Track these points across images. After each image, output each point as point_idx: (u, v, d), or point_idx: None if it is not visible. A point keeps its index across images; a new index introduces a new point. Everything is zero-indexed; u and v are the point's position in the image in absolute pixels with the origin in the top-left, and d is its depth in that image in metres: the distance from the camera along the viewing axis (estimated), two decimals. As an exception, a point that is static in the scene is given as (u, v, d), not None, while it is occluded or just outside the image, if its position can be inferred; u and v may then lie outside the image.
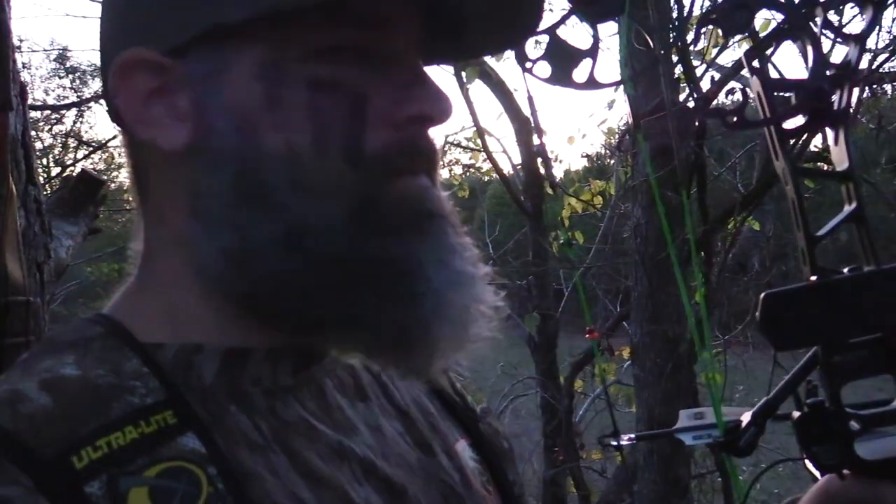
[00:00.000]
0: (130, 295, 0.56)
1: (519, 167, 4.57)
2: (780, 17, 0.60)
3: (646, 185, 2.74)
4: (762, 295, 0.55)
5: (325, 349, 0.56)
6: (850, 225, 0.57)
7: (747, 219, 3.22)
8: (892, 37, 2.90)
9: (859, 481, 0.55)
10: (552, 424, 4.01)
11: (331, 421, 0.54)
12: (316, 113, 0.50)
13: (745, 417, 0.62)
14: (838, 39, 0.58)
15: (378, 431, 0.57)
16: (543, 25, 0.57)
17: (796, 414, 0.57)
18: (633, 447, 2.99)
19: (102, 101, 0.59)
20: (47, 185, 5.13)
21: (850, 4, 0.60)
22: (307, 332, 0.52)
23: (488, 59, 4.16)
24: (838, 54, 0.59)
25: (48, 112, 9.35)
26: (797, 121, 0.59)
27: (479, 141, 4.41)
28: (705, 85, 2.75)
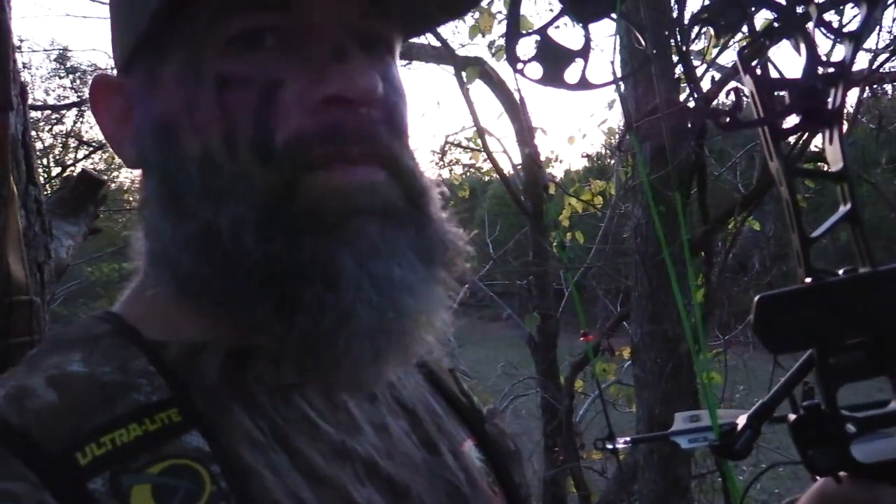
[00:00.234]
0: (136, 293, 0.56)
1: (519, 167, 4.57)
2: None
3: (650, 183, 2.73)
4: (756, 298, 0.55)
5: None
6: (845, 226, 0.57)
7: (747, 219, 3.22)
8: (892, 37, 2.90)
9: (856, 483, 0.54)
10: (552, 424, 4.01)
11: (335, 420, 0.54)
12: (225, 110, 0.48)
13: (741, 420, 0.61)
14: (833, 38, 0.58)
15: (384, 431, 0.57)
16: (535, 26, 0.57)
17: (792, 417, 0.57)
18: (633, 447, 2.99)
19: None
20: (48, 186, 5.13)
21: (850, 5, 0.60)
22: (249, 334, 0.51)
23: (488, 59, 4.16)
24: (836, 54, 0.59)
25: (48, 112, 9.34)
26: (791, 120, 0.59)
27: (479, 141, 4.41)
28: (705, 85, 2.75)
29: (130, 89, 0.53)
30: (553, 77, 0.58)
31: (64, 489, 0.43)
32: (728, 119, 0.58)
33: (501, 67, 4.21)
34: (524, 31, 0.58)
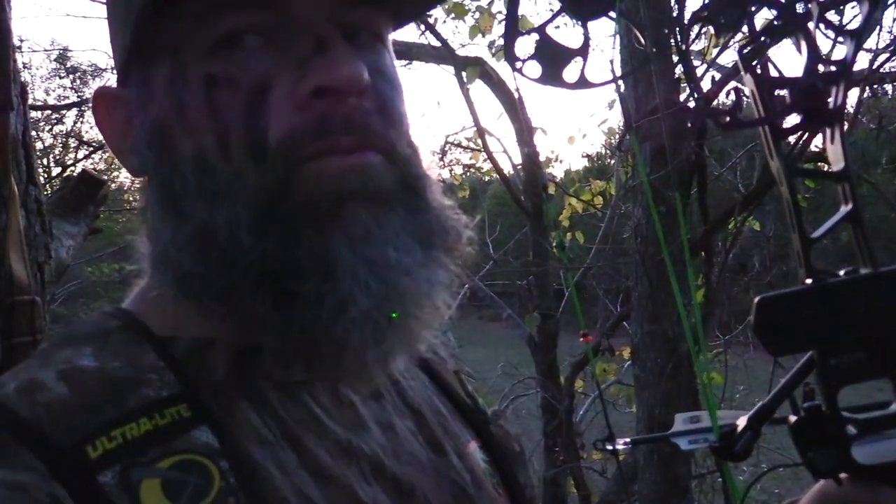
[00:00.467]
0: (146, 290, 0.56)
1: (519, 167, 4.57)
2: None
3: (649, 184, 2.73)
4: (756, 299, 0.55)
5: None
6: (846, 226, 0.57)
7: (748, 219, 3.22)
8: (892, 37, 2.89)
9: (857, 485, 0.54)
10: (552, 424, 4.00)
11: (341, 418, 0.54)
12: (215, 111, 0.49)
13: (741, 422, 0.61)
14: (835, 37, 0.58)
15: (390, 430, 0.57)
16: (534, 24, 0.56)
17: (793, 418, 0.56)
18: (633, 447, 2.99)
19: None
20: (48, 186, 5.13)
21: (852, 4, 0.60)
22: (252, 332, 0.51)
23: (488, 59, 4.16)
24: (837, 52, 0.59)
25: (49, 112, 9.35)
26: (792, 120, 0.58)
27: (479, 141, 4.41)
28: (705, 85, 2.74)
29: (129, 99, 0.54)
30: (552, 76, 0.57)
31: (74, 482, 0.44)
32: (728, 119, 0.57)
33: (501, 67, 4.21)
34: (523, 31, 0.57)
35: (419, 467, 0.56)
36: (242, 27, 0.49)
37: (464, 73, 3.88)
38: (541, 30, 0.57)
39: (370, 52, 0.52)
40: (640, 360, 2.94)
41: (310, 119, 0.48)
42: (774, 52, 0.59)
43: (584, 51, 0.57)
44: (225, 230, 0.48)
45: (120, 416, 0.47)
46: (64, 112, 9.95)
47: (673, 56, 2.65)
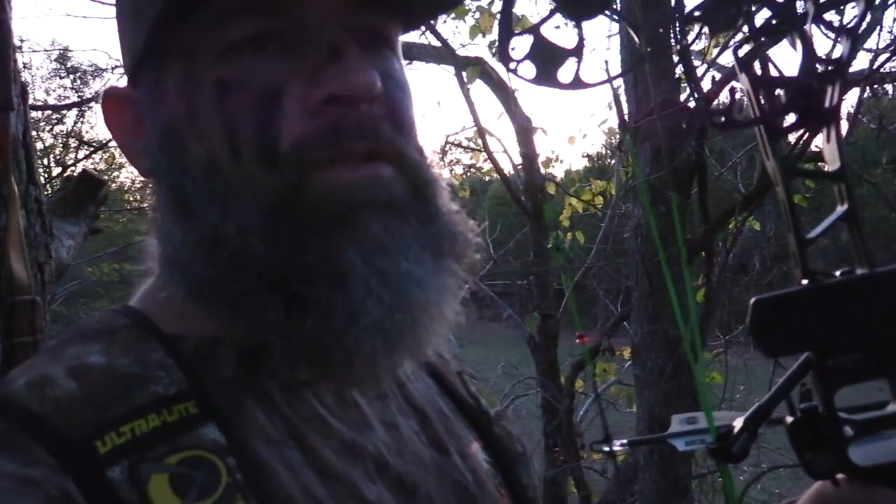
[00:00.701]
0: (154, 289, 0.56)
1: (519, 167, 4.57)
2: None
3: (646, 185, 2.73)
4: (752, 301, 0.54)
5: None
6: (845, 226, 0.57)
7: (748, 219, 3.22)
8: (892, 37, 2.89)
9: (854, 486, 0.54)
10: (553, 424, 4.00)
11: (346, 417, 0.54)
12: (226, 116, 0.49)
13: (738, 423, 0.61)
14: (834, 35, 0.58)
15: (394, 429, 0.57)
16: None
17: (789, 419, 0.56)
18: (633, 447, 2.99)
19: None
20: (48, 186, 5.13)
21: (851, 4, 0.60)
22: (260, 334, 0.51)
23: (488, 59, 4.16)
24: (834, 52, 0.58)
25: (49, 112, 9.36)
26: (788, 119, 0.58)
27: (479, 141, 4.41)
28: (704, 85, 2.74)
29: (139, 100, 0.54)
30: (546, 76, 0.57)
31: (83, 476, 0.44)
32: (723, 119, 0.57)
33: (501, 67, 4.21)
34: (517, 31, 0.57)
35: (422, 467, 0.56)
36: (255, 32, 0.49)
37: (464, 73, 3.88)
38: (535, 30, 0.57)
39: (381, 57, 0.53)
40: (641, 360, 2.94)
41: (321, 125, 0.48)
42: (774, 52, 0.59)
43: (578, 51, 0.57)
44: (235, 234, 0.48)
45: (128, 412, 0.47)
46: (64, 112, 9.96)
47: (673, 56, 2.65)
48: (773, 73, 0.57)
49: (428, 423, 0.60)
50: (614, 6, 0.56)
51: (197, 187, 0.50)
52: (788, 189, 0.57)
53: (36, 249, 1.20)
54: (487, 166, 5.91)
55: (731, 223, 3.13)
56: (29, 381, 0.48)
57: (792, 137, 2.21)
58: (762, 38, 0.58)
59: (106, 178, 2.42)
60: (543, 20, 0.59)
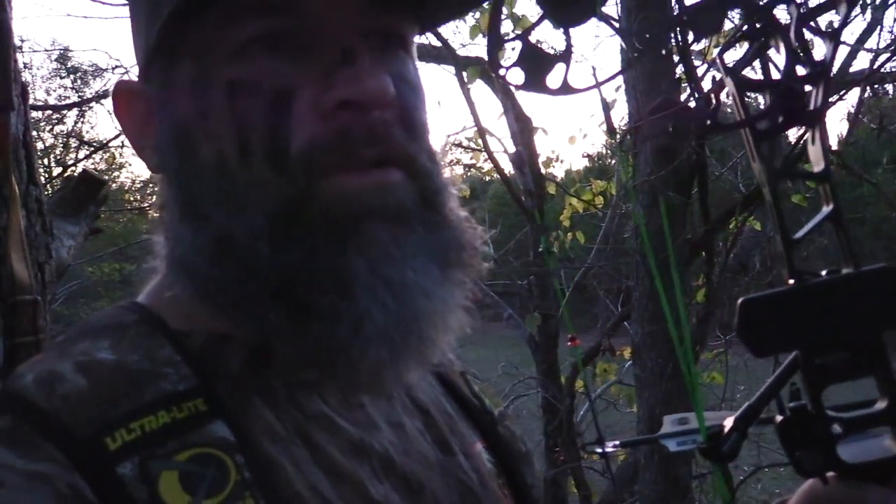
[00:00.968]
0: (161, 287, 0.56)
1: (520, 167, 4.57)
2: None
3: (646, 185, 2.74)
4: (739, 301, 0.55)
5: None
6: (828, 226, 0.57)
7: (748, 219, 3.22)
8: (892, 37, 2.90)
9: (843, 483, 0.55)
10: (553, 424, 4.00)
11: (352, 417, 0.54)
12: (237, 117, 0.48)
13: (728, 423, 0.61)
14: (831, 41, 0.58)
15: (400, 428, 0.57)
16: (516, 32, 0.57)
17: (779, 418, 0.56)
18: (629, 448, 2.99)
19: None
20: (49, 186, 5.13)
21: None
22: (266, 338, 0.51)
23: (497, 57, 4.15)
24: (817, 53, 0.59)
25: (49, 112, 9.36)
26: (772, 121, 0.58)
27: (479, 141, 4.41)
28: (700, 86, 2.74)
29: (150, 96, 0.54)
30: (535, 82, 0.58)
31: (93, 473, 0.44)
32: (709, 121, 0.58)
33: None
34: (507, 37, 0.58)
35: (427, 466, 0.56)
36: (266, 31, 0.48)
37: (464, 73, 3.88)
38: (523, 37, 0.58)
39: (395, 59, 0.52)
40: (641, 360, 2.94)
41: (332, 130, 0.48)
42: (773, 54, 0.59)
43: (566, 56, 0.58)
44: (243, 238, 0.48)
45: (138, 409, 0.47)
46: (65, 112, 9.96)
47: (673, 56, 2.65)
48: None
49: (433, 423, 0.60)
50: (601, 12, 0.56)
51: (206, 188, 0.50)
52: (774, 190, 0.58)
53: (36, 249, 1.20)
54: (487, 166, 5.91)
55: (731, 223, 3.13)
56: (37, 377, 0.48)
57: (793, 138, 2.22)
58: (746, 42, 0.58)
59: (106, 178, 2.42)
60: (532, 27, 0.59)
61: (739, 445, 0.60)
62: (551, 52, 0.58)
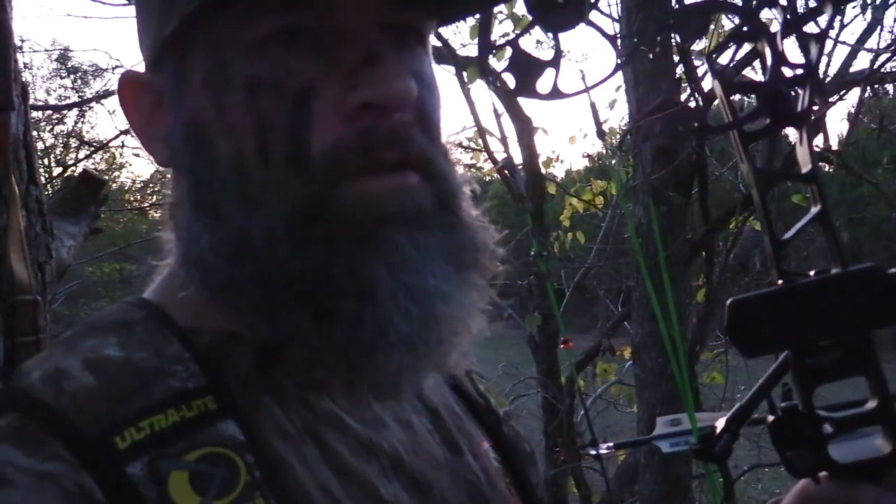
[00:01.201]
0: (170, 284, 0.55)
1: (520, 167, 4.57)
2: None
3: (647, 186, 2.74)
4: (728, 302, 0.55)
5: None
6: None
7: (748, 219, 3.22)
8: (892, 37, 2.89)
9: (836, 483, 0.55)
10: (553, 424, 4.00)
11: (360, 415, 0.54)
12: (257, 116, 0.47)
13: (720, 423, 0.61)
14: (809, 39, 0.58)
15: (408, 427, 0.57)
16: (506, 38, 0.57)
17: (770, 418, 0.57)
18: (630, 449, 2.98)
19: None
20: (49, 186, 5.14)
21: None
22: (284, 339, 0.50)
23: (489, 59, 4.15)
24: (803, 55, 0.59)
25: (50, 112, 9.36)
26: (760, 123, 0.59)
27: (479, 141, 4.40)
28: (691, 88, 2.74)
29: (159, 86, 0.53)
30: (525, 87, 0.58)
31: (102, 472, 0.43)
32: (697, 124, 0.58)
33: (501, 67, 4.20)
34: (506, 37, 0.58)
35: (436, 465, 0.56)
36: (286, 26, 0.47)
37: (464, 73, 3.88)
38: (513, 42, 0.58)
39: (413, 57, 0.51)
40: (641, 360, 2.94)
41: (354, 132, 0.47)
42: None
43: (556, 62, 0.58)
44: (261, 239, 0.47)
45: (147, 407, 0.46)
46: (65, 112, 9.97)
47: (674, 56, 2.65)
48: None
49: (441, 422, 0.60)
50: (589, 18, 0.57)
51: (222, 187, 0.49)
52: (762, 191, 0.58)
53: (36, 249, 1.20)
54: (488, 166, 5.91)
55: (731, 223, 3.13)
56: (44, 374, 0.48)
57: (793, 139, 2.21)
58: (731, 44, 0.59)
59: (106, 178, 2.42)
60: (522, 33, 0.59)
61: (731, 446, 0.60)
62: (543, 56, 0.58)
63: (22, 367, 0.50)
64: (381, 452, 0.53)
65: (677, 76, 2.77)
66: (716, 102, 0.60)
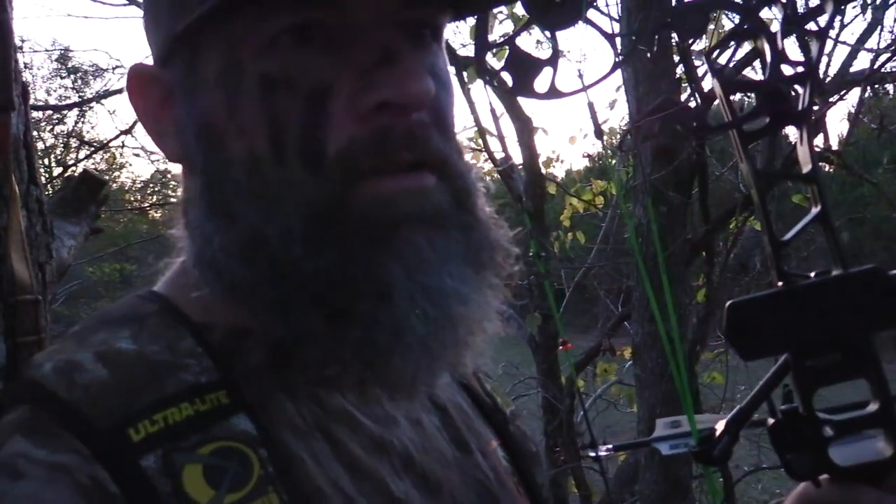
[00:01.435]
0: (179, 277, 0.55)
1: (520, 167, 4.57)
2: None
3: (646, 185, 2.73)
4: (727, 304, 0.55)
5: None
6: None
7: (749, 219, 3.22)
8: (893, 37, 2.89)
9: (836, 486, 0.54)
10: (553, 424, 4.00)
11: (372, 413, 0.54)
12: (271, 115, 0.47)
13: (720, 426, 0.61)
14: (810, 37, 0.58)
15: (418, 425, 0.57)
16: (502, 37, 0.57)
17: (771, 421, 0.56)
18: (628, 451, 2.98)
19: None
20: (49, 186, 5.14)
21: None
22: (298, 339, 0.50)
23: (489, 59, 4.15)
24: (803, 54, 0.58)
25: (50, 112, 9.36)
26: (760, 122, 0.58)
27: (479, 141, 4.40)
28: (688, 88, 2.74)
29: (168, 81, 0.52)
30: (523, 86, 0.58)
31: (116, 465, 0.43)
32: (696, 123, 0.58)
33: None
34: (505, 37, 0.58)
35: (445, 464, 0.56)
36: (301, 22, 0.46)
37: (464, 73, 3.88)
38: (510, 41, 0.58)
39: (428, 53, 0.51)
40: (641, 360, 2.94)
41: (371, 132, 0.46)
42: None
43: (553, 61, 0.57)
44: (276, 239, 0.47)
45: (161, 400, 0.46)
46: (65, 112, 9.97)
47: (674, 56, 2.65)
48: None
49: (450, 421, 0.60)
50: (587, 17, 0.56)
51: (236, 186, 0.48)
52: (762, 192, 0.58)
53: (37, 249, 1.20)
54: (488, 166, 5.90)
55: (731, 223, 3.13)
56: (56, 366, 0.47)
57: (793, 138, 2.21)
58: (731, 43, 0.58)
59: (107, 178, 2.42)
60: (519, 31, 0.59)
61: (731, 449, 0.60)
62: (541, 56, 0.58)
63: (33, 359, 0.50)
64: (391, 450, 0.53)
65: (677, 76, 2.77)
66: (716, 102, 0.60)
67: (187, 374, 0.48)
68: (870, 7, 2.88)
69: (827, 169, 3.07)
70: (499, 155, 4.34)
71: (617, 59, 0.58)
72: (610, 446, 1.29)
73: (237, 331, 0.51)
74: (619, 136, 3.60)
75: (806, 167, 0.58)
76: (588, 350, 3.92)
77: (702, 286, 3.18)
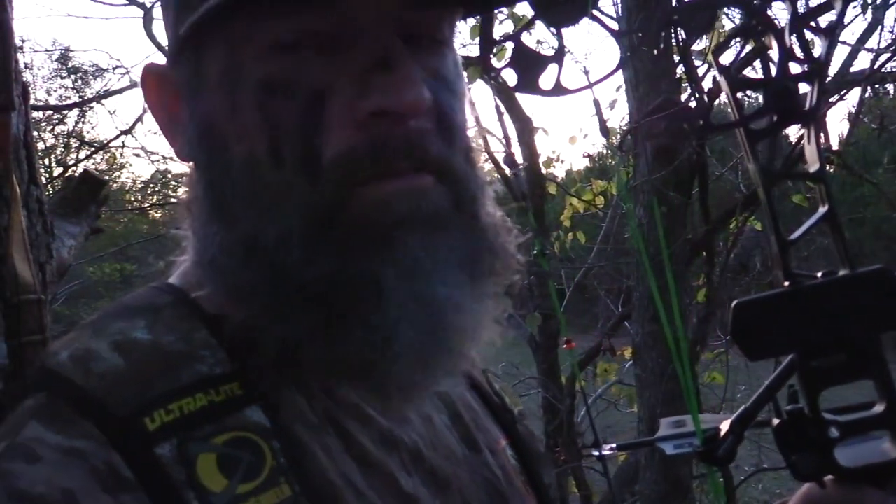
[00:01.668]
0: (191, 279, 0.55)
1: (521, 167, 4.56)
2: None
3: (647, 185, 2.74)
4: (733, 304, 0.55)
5: None
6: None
7: (749, 219, 3.22)
8: (893, 37, 2.89)
9: (841, 487, 0.54)
10: (553, 424, 4.00)
11: (383, 408, 0.54)
12: (270, 118, 0.47)
13: (724, 426, 0.61)
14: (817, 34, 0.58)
15: (428, 422, 0.57)
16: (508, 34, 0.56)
17: (776, 421, 0.56)
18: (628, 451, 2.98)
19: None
20: (49, 186, 5.14)
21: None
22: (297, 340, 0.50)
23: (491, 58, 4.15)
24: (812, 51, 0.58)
25: (50, 112, 9.36)
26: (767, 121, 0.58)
27: (480, 141, 4.40)
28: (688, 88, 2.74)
29: (178, 81, 0.53)
30: (528, 83, 0.57)
31: (131, 452, 0.44)
32: (701, 122, 0.58)
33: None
34: (499, 38, 0.58)
35: (455, 462, 0.56)
36: (303, 27, 0.47)
37: (465, 73, 3.88)
38: (515, 38, 0.57)
39: (432, 56, 0.50)
40: (642, 360, 2.94)
41: (367, 139, 0.46)
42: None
43: (558, 57, 0.57)
44: (274, 243, 0.47)
45: (176, 390, 0.47)
46: (65, 112, 9.97)
47: (673, 56, 2.65)
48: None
49: (459, 419, 0.60)
50: (593, 13, 0.56)
51: (235, 189, 0.49)
52: (769, 191, 0.57)
53: (37, 249, 1.20)
54: (488, 166, 5.90)
55: (732, 223, 3.13)
56: (72, 354, 0.48)
57: (794, 138, 2.21)
58: (737, 40, 0.58)
59: (107, 178, 2.42)
60: (523, 28, 0.59)
61: (735, 449, 0.60)
62: (546, 52, 0.57)
63: (50, 348, 0.50)
64: (401, 446, 0.53)
65: (677, 76, 2.77)
66: (717, 102, 0.60)
67: (202, 365, 0.49)
68: (870, 7, 2.88)
69: (827, 169, 3.06)
70: (499, 155, 4.34)
71: (626, 55, 0.58)
72: (614, 446, 1.28)
73: (250, 324, 0.51)
74: (619, 136, 3.59)
75: (813, 166, 0.57)
76: (588, 350, 3.92)
77: (702, 286, 3.18)
